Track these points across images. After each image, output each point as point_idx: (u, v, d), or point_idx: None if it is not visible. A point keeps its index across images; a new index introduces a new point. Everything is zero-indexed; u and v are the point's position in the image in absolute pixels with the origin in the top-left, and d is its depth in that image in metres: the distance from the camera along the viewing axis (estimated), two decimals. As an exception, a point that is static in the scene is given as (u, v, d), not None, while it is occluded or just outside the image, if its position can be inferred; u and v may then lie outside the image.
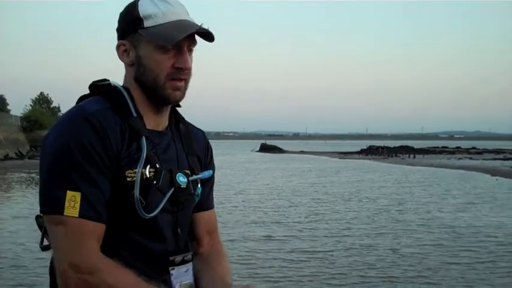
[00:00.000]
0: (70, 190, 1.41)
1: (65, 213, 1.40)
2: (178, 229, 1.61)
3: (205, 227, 1.77)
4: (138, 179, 1.47)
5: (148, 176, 1.50)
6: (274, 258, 10.50)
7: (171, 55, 1.53)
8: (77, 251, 1.41)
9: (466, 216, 16.08)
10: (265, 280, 8.83)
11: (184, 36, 1.50)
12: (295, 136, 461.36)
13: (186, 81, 1.57)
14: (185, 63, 1.54)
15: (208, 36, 1.56)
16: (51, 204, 1.42)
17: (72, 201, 1.40)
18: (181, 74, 1.54)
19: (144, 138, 1.51)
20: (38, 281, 8.62)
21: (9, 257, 10.41)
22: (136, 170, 1.48)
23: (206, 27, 1.55)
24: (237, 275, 9.13)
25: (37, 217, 1.57)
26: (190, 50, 1.57)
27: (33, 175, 31.49)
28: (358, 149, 79.38)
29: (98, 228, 1.44)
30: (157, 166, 1.52)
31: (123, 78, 1.62)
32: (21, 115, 64.96)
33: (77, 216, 1.40)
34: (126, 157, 1.48)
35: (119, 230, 1.50)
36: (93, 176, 1.43)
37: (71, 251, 1.41)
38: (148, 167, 1.50)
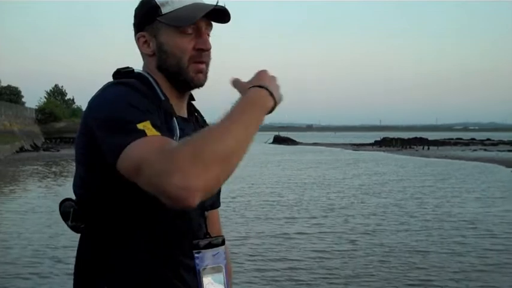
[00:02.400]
0: (138, 123, 1.35)
1: (148, 134, 1.33)
2: (206, 212, 1.65)
3: (214, 225, 1.79)
4: None
5: None
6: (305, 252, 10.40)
7: (191, 38, 1.56)
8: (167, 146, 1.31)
9: (493, 211, 15.92)
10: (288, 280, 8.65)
11: (204, 14, 1.52)
12: (309, 128, 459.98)
13: (207, 64, 1.60)
14: (206, 44, 1.57)
15: (224, 16, 1.57)
16: (130, 135, 1.33)
17: (147, 128, 1.35)
18: (202, 56, 1.57)
19: (175, 119, 1.54)
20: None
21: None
22: None
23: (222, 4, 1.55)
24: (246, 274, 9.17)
25: (62, 202, 1.56)
26: (208, 35, 1.59)
27: (48, 167, 31.75)
28: (371, 140, 79.02)
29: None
30: None
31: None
32: (36, 107, 65.56)
33: (159, 134, 1.36)
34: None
35: (147, 203, 1.43)
36: (152, 113, 1.42)
37: (164, 146, 1.30)
38: None
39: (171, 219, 1.53)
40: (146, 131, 1.34)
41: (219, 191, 1.75)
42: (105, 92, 1.48)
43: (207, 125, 1.72)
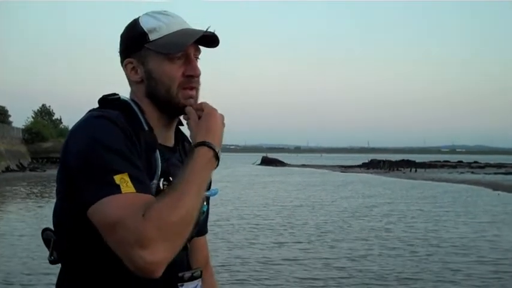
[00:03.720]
0: (115, 175, 1.36)
1: (123, 191, 1.34)
2: (188, 244, 1.62)
3: (202, 253, 1.82)
4: (153, 191, 1.46)
5: (162, 188, 1.50)
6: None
7: (180, 64, 1.54)
8: (138, 212, 1.32)
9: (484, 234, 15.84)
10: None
11: (193, 41, 1.51)
12: (297, 149, 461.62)
13: (197, 89, 1.58)
14: (195, 70, 1.55)
15: (213, 41, 1.57)
16: (105, 189, 1.35)
17: (124, 182, 1.36)
18: (192, 82, 1.55)
19: (158, 151, 1.52)
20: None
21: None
22: (154, 182, 1.49)
23: (212, 30, 1.55)
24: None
25: (44, 231, 1.54)
26: (197, 59, 1.58)
27: (34, 189, 31.41)
28: (359, 162, 79.39)
29: (152, 199, 1.38)
30: (171, 179, 1.52)
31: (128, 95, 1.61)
32: (23, 127, 65.19)
33: (135, 191, 1.36)
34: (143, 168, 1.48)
35: None
36: (132, 157, 1.41)
37: (135, 213, 1.32)
38: (162, 179, 1.51)
39: None
40: (122, 186, 1.35)
41: (206, 217, 1.77)
42: (86, 125, 1.45)
43: None
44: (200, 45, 1.57)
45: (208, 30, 1.54)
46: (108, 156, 1.37)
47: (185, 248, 1.60)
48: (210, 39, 1.56)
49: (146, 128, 1.53)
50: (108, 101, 1.55)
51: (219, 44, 1.59)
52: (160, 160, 1.52)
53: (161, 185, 1.50)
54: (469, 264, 11.42)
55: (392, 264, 11.29)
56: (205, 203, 1.66)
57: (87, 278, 1.49)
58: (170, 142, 1.63)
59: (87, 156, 1.38)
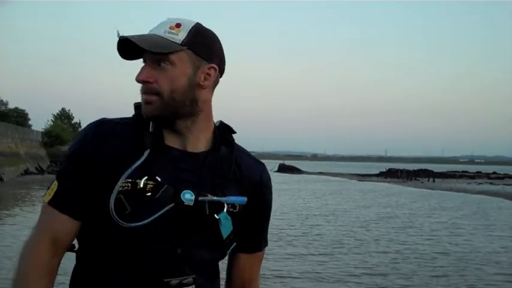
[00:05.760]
0: (56, 180, 1.55)
1: (43, 198, 1.56)
2: (179, 250, 1.51)
3: (242, 272, 1.74)
4: (117, 186, 1.45)
5: (141, 186, 1.47)
6: None
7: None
8: (31, 240, 1.52)
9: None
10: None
11: (118, 45, 1.50)
12: (314, 157, 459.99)
13: (160, 95, 1.49)
14: (137, 75, 1.51)
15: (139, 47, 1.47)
16: (48, 191, 1.57)
17: (52, 189, 1.54)
18: (143, 87, 1.51)
19: (148, 150, 1.49)
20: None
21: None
22: (130, 180, 1.47)
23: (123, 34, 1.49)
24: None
25: None
26: (159, 64, 1.49)
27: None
28: (376, 171, 78.85)
29: (58, 220, 1.52)
30: (158, 179, 1.48)
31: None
32: (43, 130, 65.71)
33: (47, 202, 1.53)
34: (123, 168, 1.47)
35: (109, 242, 1.52)
36: (73, 174, 1.52)
37: (30, 237, 1.54)
38: (145, 178, 1.47)
39: (134, 254, 1.50)
40: (47, 193, 1.54)
41: (260, 232, 1.75)
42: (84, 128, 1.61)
43: (231, 161, 1.61)
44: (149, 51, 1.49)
45: (121, 35, 1.49)
46: (66, 161, 1.57)
47: (174, 254, 1.52)
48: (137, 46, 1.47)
49: (151, 129, 1.53)
50: (135, 107, 1.60)
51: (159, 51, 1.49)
52: (147, 160, 1.48)
53: (141, 183, 1.47)
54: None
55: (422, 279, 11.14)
56: (224, 211, 1.55)
57: (82, 269, 1.60)
58: (194, 148, 1.57)
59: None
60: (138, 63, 1.55)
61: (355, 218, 21.91)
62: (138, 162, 1.47)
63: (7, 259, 11.28)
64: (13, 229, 16.16)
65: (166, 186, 1.48)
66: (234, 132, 1.65)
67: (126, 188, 1.46)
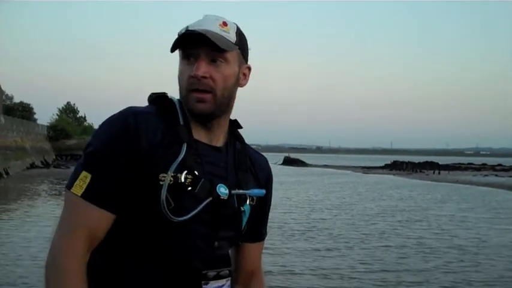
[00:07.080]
0: (85, 170, 1.46)
1: (72, 190, 1.46)
2: (216, 243, 1.55)
3: (249, 259, 1.79)
4: (167, 181, 1.45)
5: (183, 181, 1.48)
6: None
7: (192, 65, 1.51)
8: (64, 240, 1.44)
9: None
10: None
11: (180, 39, 1.49)
12: (318, 149, 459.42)
13: (213, 92, 1.52)
14: (195, 70, 1.50)
15: (209, 41, 1.48)
16: (69, 179, 1.48)
17: (82, 180, 1.45)
18: (196, 83, 1.50)
19: (185, 144, 1.51)
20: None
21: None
22: (169, 173, 1.46)
23: (212, 35, 1.48)
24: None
25: None
26: (214, 61, 1.51)
27: (56, 184, 31.73)
28: (381, 163, 78.75)
29: (96, 215, 1.45)
30: (196, 173, 1.50)
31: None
32: (48, 124, 65.79)
33: (79, 195, 1.45)
34: (162, 161, 1.47)
35: (147, 235, 1.49)
36: (111, 164, 1.46)
37: (61, 236, 1.45)
38: (185, 172, 1.48)
39: (176, 247, 1.50)
40: (75, 184, 1.45)
41: (262, 221, 1.79)
42: (109, 118, 1.52)
43: (246, 155, 1.69)
44: (208, 46, 1.49)
45: (190, 29, 1.50)
46: (91, 154, 1.48)
47: (212, 247, 1.55)
48: (207, 39, 1.47)
49: (182, 123, 1.54)
50: (154, 99, 1.59)
51: (225, 50, 1.50)
52: (187, 154, 1.50)
53: (182, 177, 1.48)
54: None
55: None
56: (247, 202, 1.63)
57: (113, 257, 1.51)
58: (217, 142, 1.61)
59: (90, 141, 1.52)
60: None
61: (361, 210, 21.84)
62: (180, 157, 1.48)
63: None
64: (17, 223, 16.24)
65: (203, 180, 1.51)
66: (241, 127, 1.71)
67: (169, 182, 1.47)
